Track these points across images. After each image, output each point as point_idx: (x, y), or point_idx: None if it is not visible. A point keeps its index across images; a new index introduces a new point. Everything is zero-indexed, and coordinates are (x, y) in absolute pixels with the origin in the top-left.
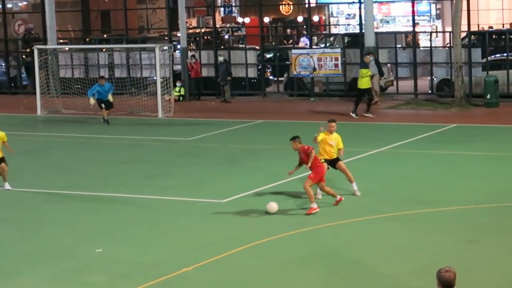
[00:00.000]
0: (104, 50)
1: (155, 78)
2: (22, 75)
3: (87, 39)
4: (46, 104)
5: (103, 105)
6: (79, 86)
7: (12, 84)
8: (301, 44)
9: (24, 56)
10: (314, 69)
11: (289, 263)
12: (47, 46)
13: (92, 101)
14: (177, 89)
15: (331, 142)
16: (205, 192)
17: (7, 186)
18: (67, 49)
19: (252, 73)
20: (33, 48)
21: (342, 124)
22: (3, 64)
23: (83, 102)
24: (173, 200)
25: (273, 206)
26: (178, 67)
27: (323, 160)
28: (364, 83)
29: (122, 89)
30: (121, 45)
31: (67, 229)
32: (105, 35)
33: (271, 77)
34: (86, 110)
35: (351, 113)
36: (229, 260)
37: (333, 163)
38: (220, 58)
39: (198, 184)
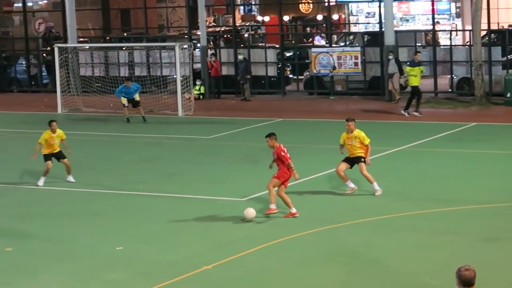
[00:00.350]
0: (124, 48)
1: (175, 76)
2: (43, 74)
3: (107, 38)
4: (66, 102)
5: (125, 104)
6: (99, 84)
7: (33, 82)
8: (316, 43)
9: (44, 55)
10: (334, 68)
11: (308, 261)
12: (67, 45)
13: (124, 100)
14: (197, 87)
15: (350, 142)
16: (224, 190)
17: (70, 178)
18: (87, 47)
19: (272, 71)
20: (53, 46)
21: (362, 122)
22: (23, 63)
23: (104, 100)
24: (192, 198)
25: (250, 212)
26: (198, 66)
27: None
28: (412, 81)
29: (142, 88)
30: (141, 44)
31: (87, 227)
32: (125, 34)
33: (290, 76)
34: (106, 108)
35: (415, 113)
36: (249, 258)
37: (355, 160)
38: (240, 57)
39: (218, 182)
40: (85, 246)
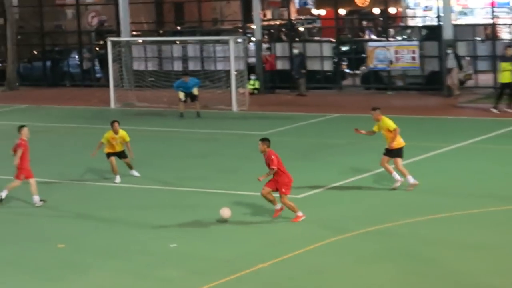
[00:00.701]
0: (177, 42)
1: (229, 70)
2: (96, 68)
3: (161, 31)
4: (119, 97)
5: (183, 99)
6: (153, 78)
7: (86, 77)
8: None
9: (97, 49)
10: (391, 62)
11: (365, 260)
12: (120, 39)
13: (181, 94)
14: (251, 82)
15: (382, 132)
16: None
17: (134, 173)
18: (140, 41)
19: (327, 66)
20: (106, 40)
21: (420, 118)
22: (76, 57)
23: (157, 94)
24: (247, 194)
25: (225, 211)
26: (252, 60)
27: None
28: (503, 77)
29: None
30: (195, 38)
31: (141, 224)
32: (178, 27)
33: (347, 70)
34: (159, 103)
35: (491, 109)
36: (305, 257)
37: (390, 153)
38: (295, 51)
39: None
40: (139, 243)
